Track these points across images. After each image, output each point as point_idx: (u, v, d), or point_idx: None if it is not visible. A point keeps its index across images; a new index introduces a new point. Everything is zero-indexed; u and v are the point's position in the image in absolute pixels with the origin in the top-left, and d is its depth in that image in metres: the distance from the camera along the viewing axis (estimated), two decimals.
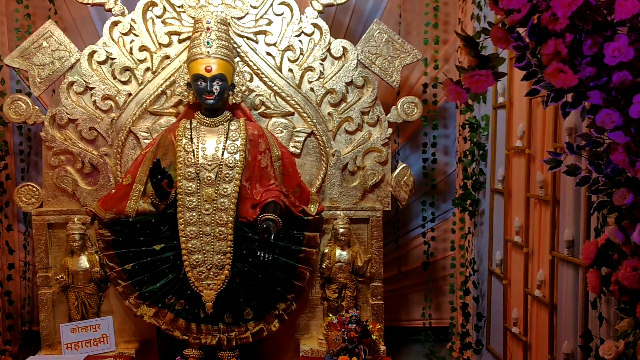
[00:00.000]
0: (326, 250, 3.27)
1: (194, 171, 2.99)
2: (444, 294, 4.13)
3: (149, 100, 3.24)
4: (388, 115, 3.34)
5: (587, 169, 1.87)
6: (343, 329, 2.90)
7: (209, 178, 2.98)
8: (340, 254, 3.24)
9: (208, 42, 2.97)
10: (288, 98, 3.29)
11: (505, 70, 3.01)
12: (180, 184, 2.98)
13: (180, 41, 3.25)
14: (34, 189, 3.26)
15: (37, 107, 3.25)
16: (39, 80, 3.25)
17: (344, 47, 3.30)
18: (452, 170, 4.05)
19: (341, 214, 3.29)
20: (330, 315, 3.16)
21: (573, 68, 1.52)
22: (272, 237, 2.82)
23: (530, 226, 2.95)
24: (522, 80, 1.70)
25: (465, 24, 3.72)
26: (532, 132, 2.91)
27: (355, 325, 2.91)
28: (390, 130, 3.34)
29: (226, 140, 3.04)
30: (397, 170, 3.36)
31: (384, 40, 3.33)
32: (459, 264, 3.88)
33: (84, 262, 3.18)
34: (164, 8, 3.24)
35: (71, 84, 3.23)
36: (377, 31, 3.33)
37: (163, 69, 3.24)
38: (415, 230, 4.12)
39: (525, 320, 2.99)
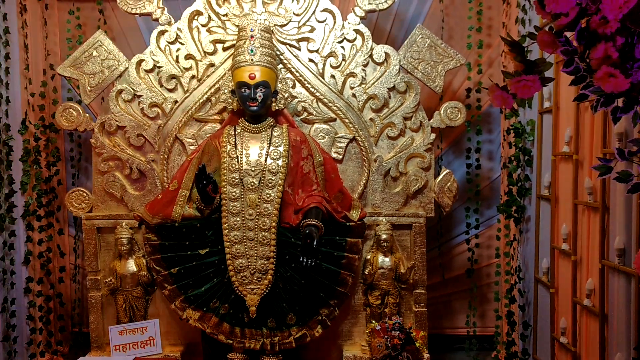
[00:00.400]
0: (369, 257, 3.27)
1: (237, 177, 3.02)
2: (488, 301, 4.06)
3: (194, 108, 3.30)
4: (431, 121, 3.32)
5: (639, 175, 1.81)
6: (386, 336, 2.89)
7: (252, 184, 3.01)
8: (383, 260, 3.23)
9: (252, 50, 3.01)
10: (330, 104, 3.30)
11: (552, 74, 2.94)
12: (225, 189, 3.02)
13: (224, 49, 3.30)
14: (84, 194, 3.36)
15: (87, 115, 3.35)
16: (89, 88, 3.35)
17: (386, 53, 3.30)
18: (497, 176, 3.99)
19: (383, 220, 3.29)
20: (373, 321, 3.15)
21: (624, 72, 1.48)
22: (315, 243, 2.83)
23: (578, 234, 2.88)
24: (570, 85, 1.67)
25: (510, 27, 3.67)
26: (580, 137, 2.84)
27: (398, 332, 2.89)
28: (433, 136, 3.31)
29: (269, 146, 3.07)
30: (441, 176, 3.33)
31: (426, 45, 3.31)
32: (504, 271, 3.81)
33: (131, 265, 3.27)
34: (209, 17, 3.30)
35: (120, 92, 3.32)
36: (420, 36, 3.32)
37: (208, 76, 3.30)
38: (459, 236, 4.07)
39: (574, 330, 2.91)
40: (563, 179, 3.05)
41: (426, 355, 3.03)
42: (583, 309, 2.81)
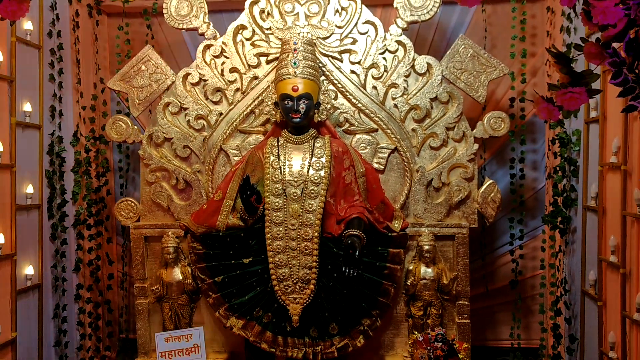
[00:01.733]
0: (411, 267, 3.26)
1: (280, 187, 3.06)
2: (533, 313, 4.00)
3: (238, 119, 3.37)
4: (474, 131, 3.30)
5: None
6: (429, 347, 2.88)
7: (295, 194, 3.05)
8: (425, 271, 3.22)
9: (295, 63, 3.06)
10: (372, 115, 3.32)
11: (599, 84, 2.90)
12: (268, 199, 3.06)
13: (268, 62, 3.36)
14: (133, 204, 3.46)
15: (135, 127, 3.45)
16: (137, 101, 3.45)
17: (428, 63, 3.31)
18: (541, 187, 3.93)
19: (426, 230, 3.28)
20: (416, 332, 3.14)
21: None
22: (357, 253, 2.84)
23: (627, 246, 2.82)
24: (618, 96, 1.65)
25: (554, 36, 3.62)
26: (628, 148, 2.79)
27: (441, 343, 2.87)
28: (476, 146, 3.30)
29: (311, 157, 3.10)
30: (484, 187, 3.30)
31: (469, 55, 3.30)
32: (549, 283, 3.74)
33: (177, 274, 3.34)
34: (253, 31, 3.37)
35: (167, 104, 3.41)
36: (462, 46, 3.31)
37: (252, 89, 3.37)
38: (502, 247, 4.02)
39: (624, 345, 2.84)
40: (610, 189, 2.99)
41: None
42: (633, 323, 2.74)
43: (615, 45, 1.57)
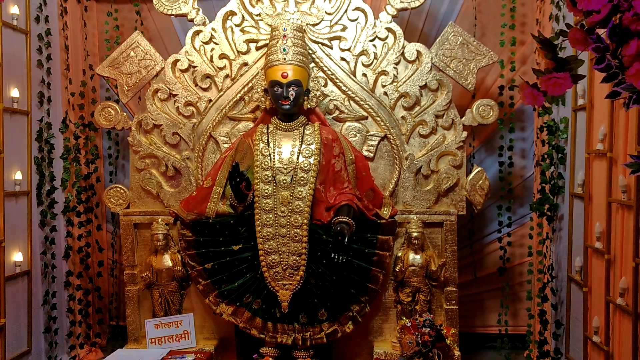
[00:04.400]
0: (399, 254, 3.28)
1: (270, 174, 3.07)
2: (520, 300, 4.04)
3: (228, 106, 3.36)
4: (463, 119, 3.32)
5: None
6: (417, 333, 2.90)
7: (284, 181, 3.06)
8: (414, 257, 3.24)
9: (284, 49, 3.05)
10: (362, 102, 3.32)
11: (585, 71, 2.91)
12: (258, 186, 3.07)
13: (257, 48, 3.35)
14: (122, 190, 3.45)
15: (124, 114, 3.44)
16: (126, 88, 3.44)
17: (418, 51, 3.31)
18: (530, 174, 3.95)
19: (414, 217, 3.30)
20: (404, 318, 3.16)
21: None
22: (346, 240, 2.86)
23: (612, 232, 2.85)
24: (602, 82, 1.66)
25: (543, 24, 3.63)
26: (614, 135, 2.81)
27: (429, 329, 2.90)
28: (465, 134, 3.31)
29: (301, 144, 3.11)
30: (472, 174, 3.33)
31: (458, 42, 3.31)
32: (537, 270, 3.78)
33: (167, 261, 3.34)
34: (243, 17, 3.35)
35: (156, 91, 3.40)
36: (452, 34, 3.31)
37: (241, 75, 3.36)
38: (490, 235, 4.05)
39: (607, 329, 2.88)
40: (597, 177, 3.02)
41: (457, 353, 3.04)
42: (616, 307, 2.78)
43: (599, 31, 1.58)
